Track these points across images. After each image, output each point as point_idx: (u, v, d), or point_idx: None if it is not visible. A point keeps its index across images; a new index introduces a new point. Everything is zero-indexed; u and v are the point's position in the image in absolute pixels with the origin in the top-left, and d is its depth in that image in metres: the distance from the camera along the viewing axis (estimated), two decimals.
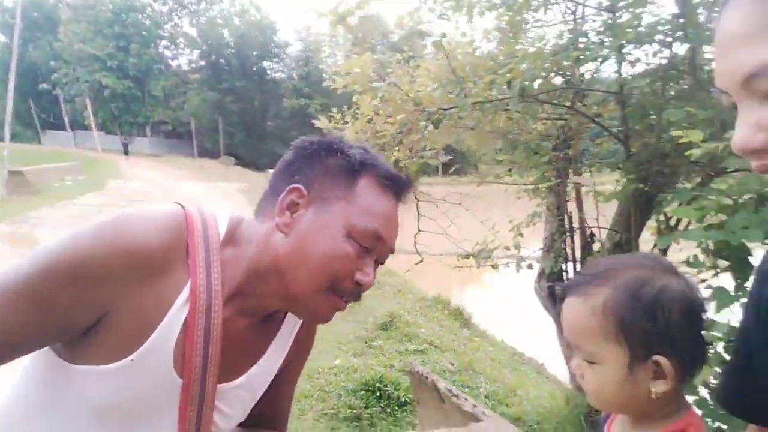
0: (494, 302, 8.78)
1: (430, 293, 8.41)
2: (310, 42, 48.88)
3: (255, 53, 47.85)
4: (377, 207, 0.92)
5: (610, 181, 3.63)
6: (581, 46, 2.56)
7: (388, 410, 4.23)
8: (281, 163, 0.99)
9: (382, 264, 0.98)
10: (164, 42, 49.74)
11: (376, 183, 0.94)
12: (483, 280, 11.00)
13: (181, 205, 0.95)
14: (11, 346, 0.80)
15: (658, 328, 0.76)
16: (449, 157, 5.23)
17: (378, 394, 4.29)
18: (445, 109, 3.08)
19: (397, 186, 0.96)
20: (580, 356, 0.82)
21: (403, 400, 4.28)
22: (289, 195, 0.92)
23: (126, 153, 36.10)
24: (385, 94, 3.32)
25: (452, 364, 5.08)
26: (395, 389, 4.35)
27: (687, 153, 1.79)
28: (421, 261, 4.35)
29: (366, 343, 5.80)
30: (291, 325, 1.05)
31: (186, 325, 0.86)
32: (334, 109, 4.97)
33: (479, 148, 4.38)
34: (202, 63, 48.91)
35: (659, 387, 0.77)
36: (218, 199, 17.92)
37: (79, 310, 0.81)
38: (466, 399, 2.66)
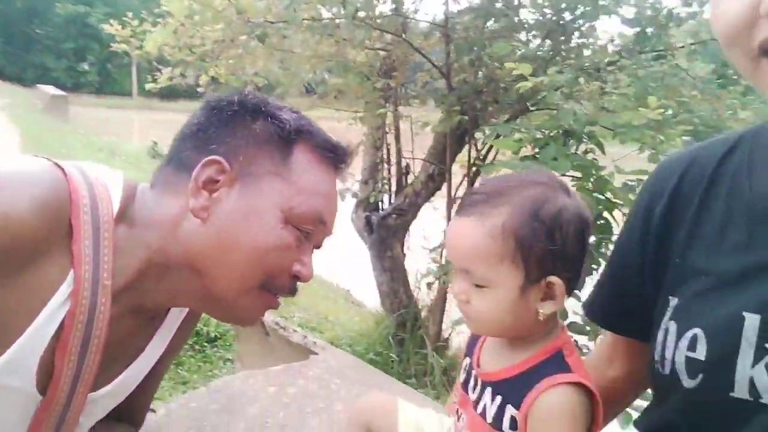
0: None
1: None
2: None
3: None
4: (319, 184, 0.76)
5: (423, 117, 3.80)
6: None
7: (197, 347, 4.02)
8: (189, 126, 0.77)
9: (319, 248, 0.82)
10: None
11: (315, 154, 0.77)
12: None
13: (56, 164, 0.67)
14: None
15: (556, 248, 0.74)
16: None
17: None
18: (272, 23, 2.83)
19: (337, 157, 0.80)
20: (466, 280, 0.77)
21: (213, 335, 4.10)
22: (205, 169, 0.72)
23: None
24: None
25: None
26: (204, 325, 4.13)
27: (517, 86, 1.90)
28: None
29: None
30: (174, 319, 0.86)
31: (61, 330, 0.66)
32: (130, 14, 4.26)
33: (297, 75, 4.19)
34: None
35: (548, 308, 0.76)
36: None
37: None
38: (294, 330, 2.61)
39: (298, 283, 0.80)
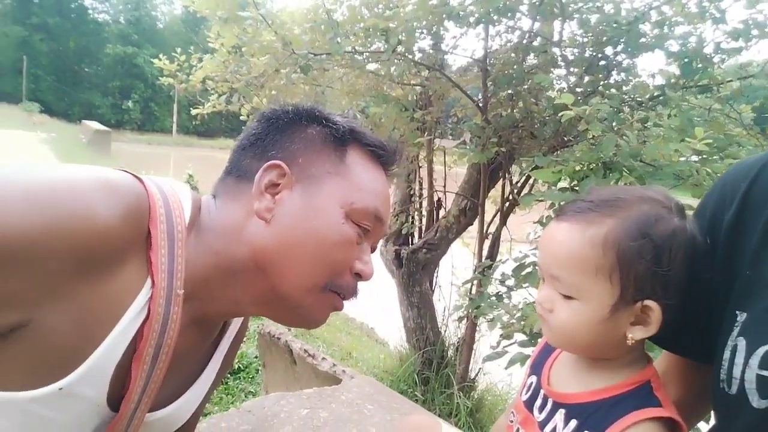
0: None
1: None
2: None
3: None
4: (374, 182, 0.78)
5: (455, 152, 3.81)
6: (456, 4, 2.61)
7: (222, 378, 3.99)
8: (247, 138, 0.79)
9: (374, 251, 0.83)
10: None
11: (367, 153, 0.79)
12: None
13: (134, 175, 0.69)
14: None
15: (661, 270, 0.69)
16: None
17: None
18: (315, 54, 2.91)
19: (388, 157, 0.82)
20: (554, 288, 0.73)
21: (236, 366, 4.06)
22: (267, 173, 0.74)
23: None
24: (251, 29, 3.03)
25: (289, 330, 4.97)
26: None
27: (560, 114, 1.89)
28: None
29: None
30: (225, 344, 0.87)
31: (137, 340, 0.65)
32: (179, 50, 4.45)
33: (340, 105, 4.28)
34: None
35: (638, 333, 0.71)
36: (14, 150, 15.29)
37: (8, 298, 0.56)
38: (324, 359, 2.54)
39: (342, 300, 0.79)
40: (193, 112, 3.86)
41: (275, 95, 3.34)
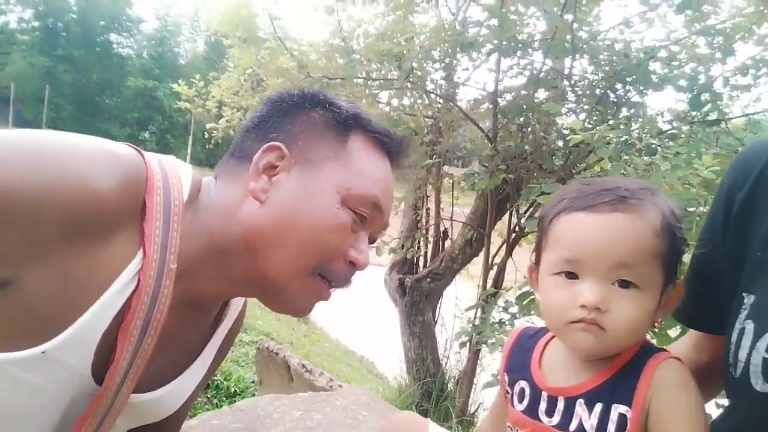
0: (333, 301, 8.85)
1: None
2: (168, 22, 45.73)
3: (102, 23, 43.39)
4: (375, 170, 0.76)
5: (463, 181, 3.82)
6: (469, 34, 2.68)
7: (215, 401, 3.90)
8: (252, 120, 0.80)
9: (373, 243, 0.81)
10: None
11: (371, 141, 0.78)
12: None
13: (136, 149, 0.71)
14: None
15: (682, 251, 0.73)
16: None
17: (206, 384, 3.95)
18: (330, 78, 2.99)
19: (394, 145, 0.80)
20: (608, 284, 0.70)
21: (233, 390, 3.98)
22: (266, 155, 0.74)
23: None
24: (268, 53, 3.13)
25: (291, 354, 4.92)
26: (225, 379, 4.03)
27: (568, 138, 1.92)
28: None
29: None
30: (220, 334, 0.86)
31: (124, 312, 0.64)
32: (198, 76, 4.60)
33: None
34: (36, 24, 43.01)
35: (660, 316, 0.73)
36: None
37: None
38: (321, 374, 2.50)
39: (334, 293, 0.79)
40: (208, 126, 3.95)
41: None
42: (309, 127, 0.76)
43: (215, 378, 3.97)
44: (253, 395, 3.80)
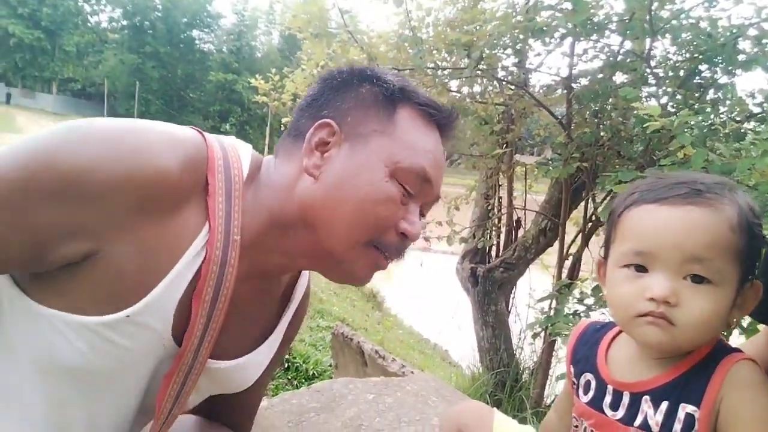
0: (407, 288, 8.90)
1: None
2: (246, 17, 47.38)
3: (185, 20, 45.70)
4: (423, 142, 0.78)
5: (535, 170, 3.73)
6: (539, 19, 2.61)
7: (295, 382, 4.10)
8: (306, 99, 0.84)
9: (424, 216, 0.84)
10: None
11: (419, 113, 0.79)
12: (400, 266, 11.14)
13: (198, 130, 0.78)
14: None
15: (761, 249, 0.71)
16: None
17: (286, 366, 4.14)
18: (399, 69, 3.01)
19: (442, 117, 0.82)
20: (680, 277, 0.69)
21: (311, 373, 4.16)
22: (317, 132, 0.77)
23: (8, 102, 33.07)
24: (338, 48, 3.19)
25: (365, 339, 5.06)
26: (304, 362, 4.22)
27: (645, 125, 1.84)
28: None
29: None
30: (297, 297, 0.92)
31: (197, 278, 0.71)
32: (273, 70, 4.74)
33: None
34: (125, 23, 46.09)
35: (737, 315, 0.72)
36: None
37: (61, 236, 0.63)
38: (393, 359, 2.58)
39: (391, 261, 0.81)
40: (284, 120, 4.09)
41: None
42: (357, 102, 0.79)
43: (295, 360, 4.18)
44: (330, 378, 3.97)
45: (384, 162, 0.75)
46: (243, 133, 44.93)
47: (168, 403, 0.77)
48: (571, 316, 2.33)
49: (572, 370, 0.85)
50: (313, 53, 3.23)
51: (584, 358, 0.83)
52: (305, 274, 0.95)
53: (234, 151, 0.78)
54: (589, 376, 0.81)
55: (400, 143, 0.76)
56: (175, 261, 0.69)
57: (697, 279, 0.69)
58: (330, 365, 4.05)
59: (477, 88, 3.50)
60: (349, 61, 3.10)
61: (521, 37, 2.78)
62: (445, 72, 3.03)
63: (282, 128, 4.64)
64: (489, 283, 3.68)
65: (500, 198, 3.91)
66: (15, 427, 0.70)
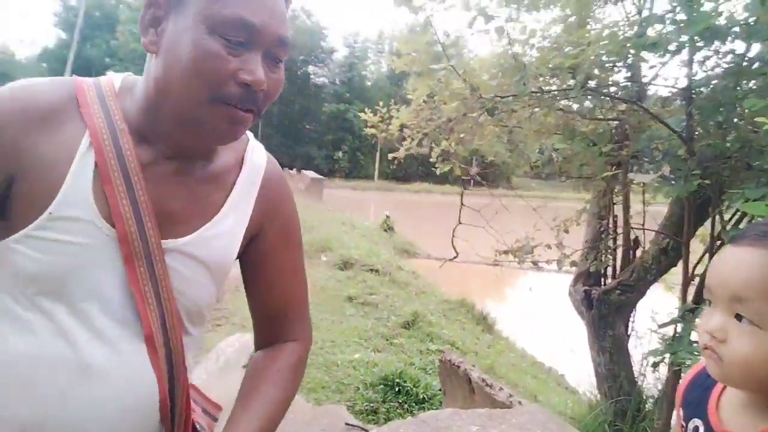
0: (518, 310, 8.65)
1: (455, 297, 8.31)
2: (356, 49, 49.65)
3: (301, 58, 48.89)
4: None
5: (652, 187, 3.50)
6: (652, 34, 2.50)
7: (406, 406, 4.16)
8: None
9: (279, 60, 0.84)
10: None
11: None
12: (510, 287, 10.86)
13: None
14: None
15: None
16: (488, 161, 5.15)
17: (396, 389, 4.23)
18: (501, 97, 3.04)
19: None
20: (729, 315, 0.70)
21: (422, 396, 4.21)
22: (147, 10, 0.81)
23: None
24: (442, 79, 3.30)
25: (473, 366, 4.99)
26: (414, 386, 4.28)
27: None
28: (455, 257, 4.29)
29: (387, 340, 5.75)
30: (248, 185, 0.94)
31: (98, 168, 0.79)
32: (381, 102, 4.97)
33: (519, 154, 4.30)
34: None
35: None
36: None
37: None
38: (501, 389, 2.56)
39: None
40: (390, 156, 4.25)
41: (463, 137, 3.53)
42: None
43: (405, 384, 4.26)
44: (441, 403, 3.98)
45: (201, 20, 0.76)
46: (355, 159, 46.74)
47: (149, 293, 0.82)
48: (695, 344, 2.17)
49: (682, 413, 0.83)
50: (416, 89, 3.37)
51: (695, 401, 0.81)
52: (252, 154, 0.97)
53: (106, 78, 0.88)
54: (698, 422, 0.79)
55: None
56: (71, 160, 0.78)
57: (741, 318, 0.69)
58: (440, 389, 4.07)
59: (588, 103, 3.41)
60: (451, 92, 3.19)
61: (632, 52, 2.69)
62: (550, 96, 2.99)
63: (390, 155, 4.83)
64: (605, 307, 3.51)
65: (615, 216, 3.73)
66: (25, 342, 0.78)
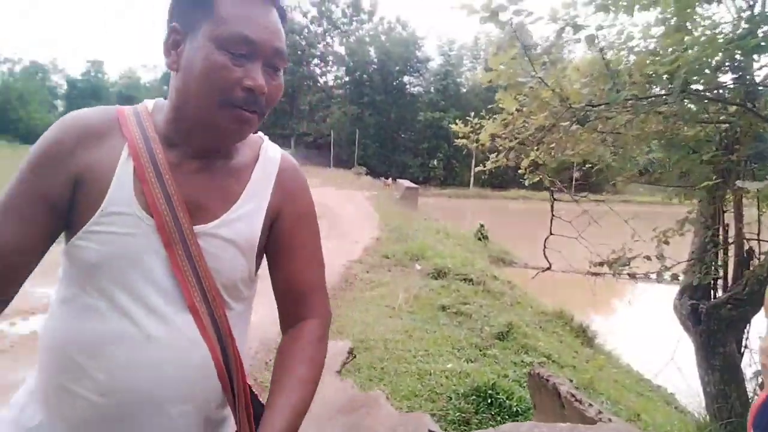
0: (622, 322, 8.18)
1: (552, 308, 8.05)
2: (451, 56, 49.60)
3: (397, 68, 49.66)
4: (237, 11, 0.94)
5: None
6: (761, 34, 2.35)
7: (499, 418, 4.13)
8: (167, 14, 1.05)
9: (278, 69, 0.99)
10: (315, 60, 53.78)
11: None
12: (612, 297, 10.30)
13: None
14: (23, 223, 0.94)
15: None
16: (587, 168, 4.98)
17: (489, 401, 4.20)
18: (593, 106, 2.98)
19: None
20: None
21: (515, 409, 4.15)
22: (170, 36, 0.99)
23: None
24: (531, 90, 3.28)
25: (571, 381, 4.83)
26: (507, 398, 4.23)
27: None
28: (548, 268, 4.21)
29: (480, 350, 5.70)
30: (264, 175, 1.09)
31: (136, 171, 0.97)
32: (477, 109, 4.98)
33: (623, 158, 4.13)
34: (347, 79, 51.90)
35: None
36: (347, 203, 18.87)
37: (57, 178, 0.95)
38: (590, 404, 2.51)
39: None
40: (476, 170, 4.26)
41: (553, 147, 3.48)
42: (188, 4, 0.98)
43: (498, 396, 4.23)
44: (532, 416, 3.91)
45: (209, 39, 0.93)
46: (450, 166, 46.52)
47: (189, 272, 0.97)
48: None
49: None
50: (503, 102, 3.37)
51: (763, 425, 0.81)
52: (267, 152, 1.12)
53: (142, 103, 1.07)
54: None
55: (219, 20, 0.93)
56: (115, 167, 0.97)
57: None
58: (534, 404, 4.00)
59: (691, 107, 3.23)
60: (540, 102, 3.18)
61: (738, 53, 2.53)
62: (646, 102, 2.88)
63: (476, 168, 4.83)
64: (714, 322, 3.29)
65: (726, 226, 3.49)
66: (95, 323, 0.95)
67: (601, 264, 3.67)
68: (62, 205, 0.96)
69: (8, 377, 3.50)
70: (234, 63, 0.93)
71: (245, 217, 1.04)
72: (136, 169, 0.97)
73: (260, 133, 1.14)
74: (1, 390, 3.40)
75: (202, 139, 1.00)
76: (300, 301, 1.10)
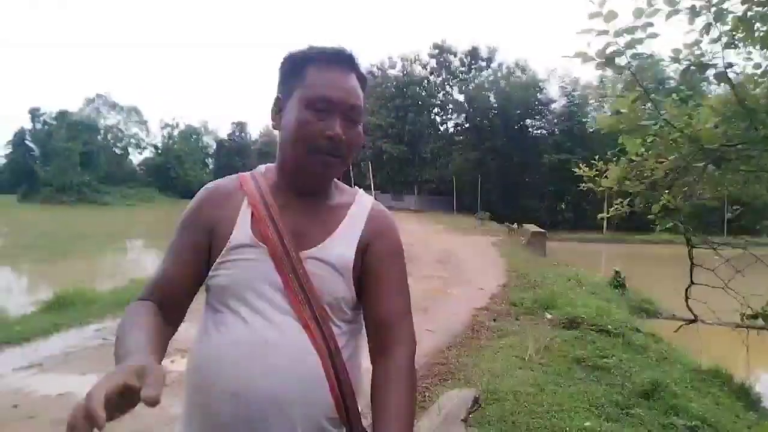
0: None
1: (707, 364, 7.21)
2: (575, 96, 48.18)
3: (518, 112, 49.31)
4: (321, 78, 1.17)
5: None
6: None
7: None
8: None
9: (356, 121, 1.20)
10: (435, 109, 55.31)
11: (319, 63, 1.20)
12: None
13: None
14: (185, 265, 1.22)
15: None
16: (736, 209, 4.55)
17: None
18: (729, 146, 2.80)
19: (336, 57, 1.21)
20: None
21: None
22: (275, 105, 1.26)
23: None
24: (658, 131, 3.16)
25: None
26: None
27: None
28: (693, 321, 3.88)
29: (622, 409, 5.27)
30: (357, 213, 1.29)
31: (253, 216, 1.21)
32: (605, 149, 4.83)
33: None
34: (467, 125, 52.59)
35: None
36: (471, 249, 18.73)
37: (199, 231, 1.23)
38: None
39: None
40: (600, 216, 4.11)
41: (686, 190, 3.29)
42: (286, 76, 1.23)
43: None
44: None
45: (300, 101, 1.17)
46: (579, 209, 44.19)
47: (298, 289, 1.16)
48: None
49: None
50: (627, 146, 3.29)
51: None
52: (361, 197, 1.34)
53: (258, 167, 1.35)
54: None
55: (307, 86, 1.17)
56: (238, 214, 1.22)
57: None
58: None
59: None
60: (666, 145, 3.05)
61: None
62: None
63: (599, 216, 4.59)
64: None
65: None
66: (222, 333, 1.17)
67: (755, 316, 3.31)
68: (205, 250, 1.23)
69: (170, 412, 3.93)
70: (318, 118, 1.16)
71: (341, 244, 1.23)
72: (252, 214, 1.22)
73: (356, 187, 1.40)
74: (163, 424, 3.85)
75: (300, 182, 1.24)
76: (388, 329, 1.23)
